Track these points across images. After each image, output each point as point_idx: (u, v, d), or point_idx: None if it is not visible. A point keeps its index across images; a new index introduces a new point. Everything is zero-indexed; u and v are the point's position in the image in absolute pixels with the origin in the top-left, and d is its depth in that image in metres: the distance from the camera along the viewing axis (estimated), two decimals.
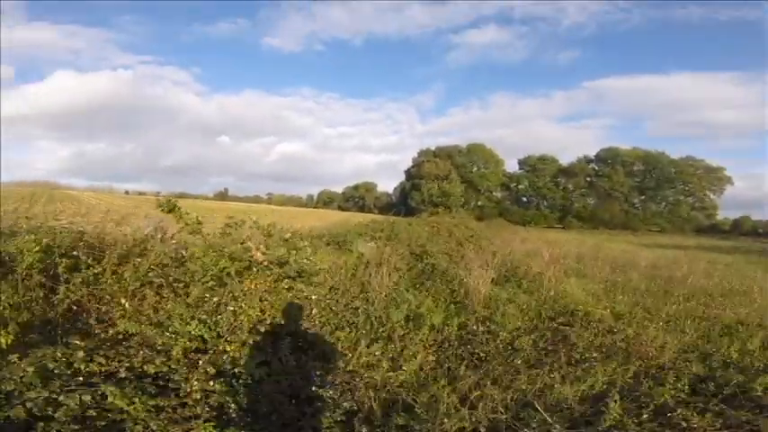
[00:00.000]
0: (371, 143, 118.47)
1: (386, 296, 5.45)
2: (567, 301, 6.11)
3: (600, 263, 10.74)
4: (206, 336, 3.64)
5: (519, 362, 3.76)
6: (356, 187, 77.12)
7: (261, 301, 3.82)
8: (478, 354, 3.98)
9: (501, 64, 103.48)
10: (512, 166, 66.88)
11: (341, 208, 64.68)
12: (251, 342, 3.46)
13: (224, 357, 3.37)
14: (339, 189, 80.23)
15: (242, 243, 4.18)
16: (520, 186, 65.34)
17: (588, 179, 63.68)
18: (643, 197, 63.54)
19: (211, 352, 3.48)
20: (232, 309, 3.71)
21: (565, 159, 65.46)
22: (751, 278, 10.19)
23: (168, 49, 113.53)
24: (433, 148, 65.60)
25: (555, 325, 4.75)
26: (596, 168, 64.16)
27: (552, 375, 3.50)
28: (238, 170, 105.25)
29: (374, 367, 3.58)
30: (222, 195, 72.49)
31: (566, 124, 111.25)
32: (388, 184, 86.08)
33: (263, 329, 3.62)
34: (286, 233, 5.20)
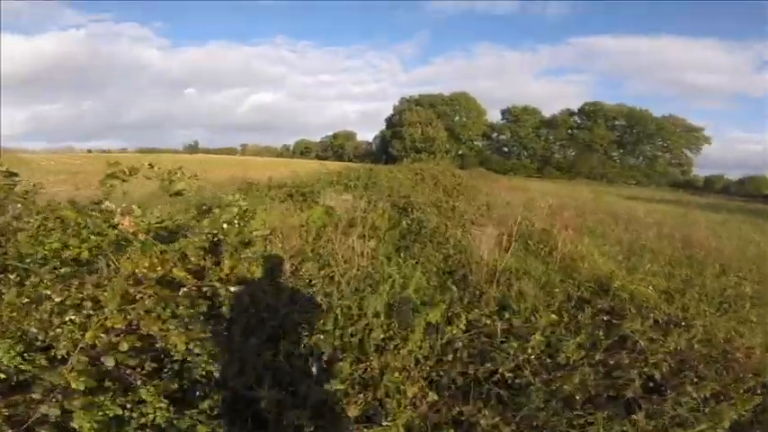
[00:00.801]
0: (352, 91, 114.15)
1: (358, 272, 3.86)
2: (595, 273, 4.71)
3: (606, 218, 9.47)
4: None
5: (577, 395, 2.30)
6: (335, 136, 73.96)
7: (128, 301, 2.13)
8: (505, 377, 2.49)
9: (487, 14, 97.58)
10: (493, 117, 65.63)
11: (318, 157, 61.73)
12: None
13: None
14: (317, 139, 77.01)
15: (97, 204, 2.40)
16: (501, 136, 64.29)
17: (569, 131, 63.68)
18: (622, 151, 64.34)
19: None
20: (72, 319, 2.03)
21: (547, 113, 64.95)
22: (757, 242, 9.17)
23: (125, 5, 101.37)
24: (416, 96, 62.56)
25: (602, 317, 3.28)
26: (578, 121, 63.98)
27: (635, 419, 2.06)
28: (209, 123, 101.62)
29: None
30: (192, 148, 69.29)
31: (550, 78, 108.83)
32: (369, 135, 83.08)
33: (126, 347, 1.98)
34: (209, 184, 3.42)
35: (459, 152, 59.82)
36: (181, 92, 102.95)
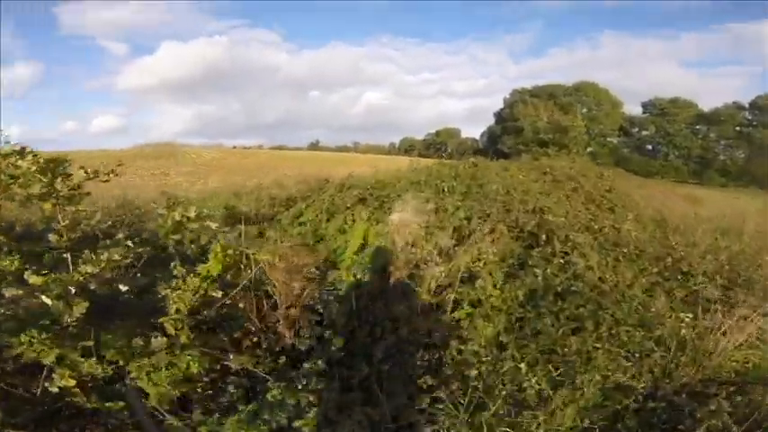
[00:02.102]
0: (456, 88, 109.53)
1: None
2: None
3: None
4: None
5: None
6: (437, 133, 71.07)
7: None
8: None
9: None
10: (631, 111, 54.32)
11: (421, 155, 59.42)
12: None
13: None
14: (422, 137, 75.67)
15: None
16: (644, 132, 52.96)
17: (738, 129, 49.50)
18: None
19: None
20: None
21: (704, 107, 51.56)
22: None
23: (253, 12, 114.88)
24: (529, 88, 55.26)
25: None
26: (750, 118, 49.68)
27: None
28: (329, 123, 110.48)
29: None
30: (314, 146, 75.79)
31: (698, 70, 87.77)
32: (477, 132, 78.30)
33: None
34: None
35: (589, 149, 51.01)
36: (305, 94, 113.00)
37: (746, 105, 50.24)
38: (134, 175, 21.88)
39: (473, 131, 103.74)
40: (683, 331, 3.00)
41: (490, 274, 3.31)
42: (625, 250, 4.19)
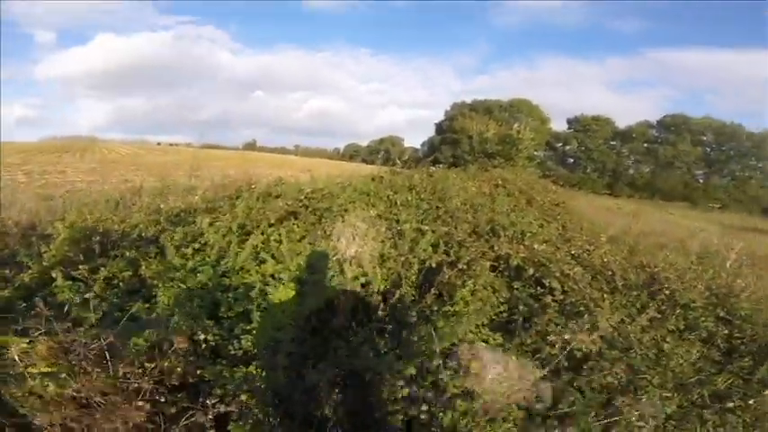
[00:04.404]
0: (402, 99, 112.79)
1: None
2: None
3: None
4: None
5: None
6: (381, 141, 72.04)
7: None
8: None
9: (553, 26, 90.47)
10: (558, 127, 59.27)
11: (365, 161, 59.48)
12: None
13: None
14: (366, 143, 75.54)
15: None
16: (567, 147, 57.91)
17: (646, 145, 56.45)
18: (708, 170, 55.94)
19: None
20: None
21: (621, 125, 58.09)
22: None
23: (207, 9, 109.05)
24: (469, 102, 58.04)
25: None
26: (657, 135, 56.96)
27: None
28: (271, 123, 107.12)
29: None
30: (250, 146, 71.41)
31: (621, 91, 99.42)
32: (418, 141, 79.90)
33: None
34: None
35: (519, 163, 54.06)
36: (248, 94, 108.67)
37: (654, 123, 57.14)
38: (20, 171, 18.24)
39: (415, 141, 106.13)
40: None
41: (484, 341, 2.41)
42: (620, 284, 3.56)
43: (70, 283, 3.43)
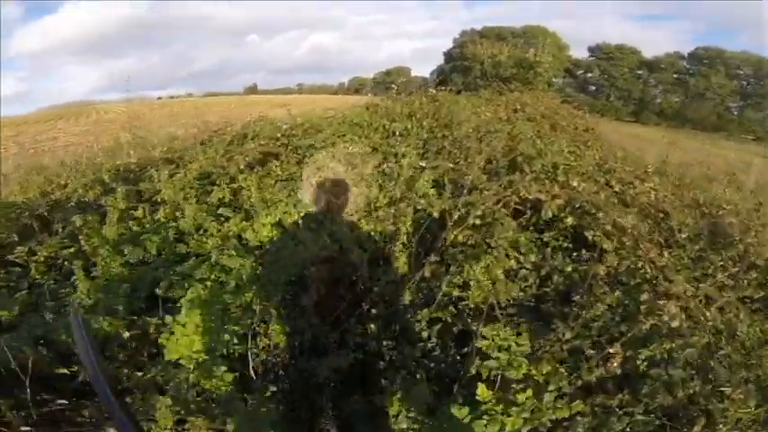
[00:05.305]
0: (407, 29, 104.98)
1: None
2: None
3: None
4: None
5: None
6: (387, 72, 67.54)
7: None
8: None
9: None
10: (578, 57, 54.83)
11: (371, 94, 56.33)
12: None
13: None
14: (371, 76, 71.31)
15: None
16: (589, 75, 54.13)
17: (676, 76, 52.82)
18: (742, 103, 52.56)
19: None
20: None
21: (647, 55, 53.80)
22: None
23: None
24: (478, 29, 53.43)
25: None
26: (688, 66, 53.10)
27: None
28: (269, 66, 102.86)
29: None
30: (251, 90, 68.90)
31: (645, 24, 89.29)
32: (426, 71, 75.21)
33: None
34: None
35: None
36: (242, 39, 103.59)
37: (685, 55, 53.24)
38: (13, 142, 17.50)
39: (424, 71, 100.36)
40: None
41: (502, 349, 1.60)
42: (681, 236, 2.65)
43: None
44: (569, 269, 2.25)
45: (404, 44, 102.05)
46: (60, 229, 3.22)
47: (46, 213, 3.51)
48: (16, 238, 3.20)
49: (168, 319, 1.99)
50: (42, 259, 2.98)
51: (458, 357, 1.95)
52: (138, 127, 6.38)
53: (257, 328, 2.12)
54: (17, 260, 2.97)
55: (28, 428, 1.55)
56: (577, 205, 2.34)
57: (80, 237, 2.93)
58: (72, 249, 3.00)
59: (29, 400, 1.55)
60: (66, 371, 1.79)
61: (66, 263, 2.92)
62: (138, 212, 3.16)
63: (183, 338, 1.91)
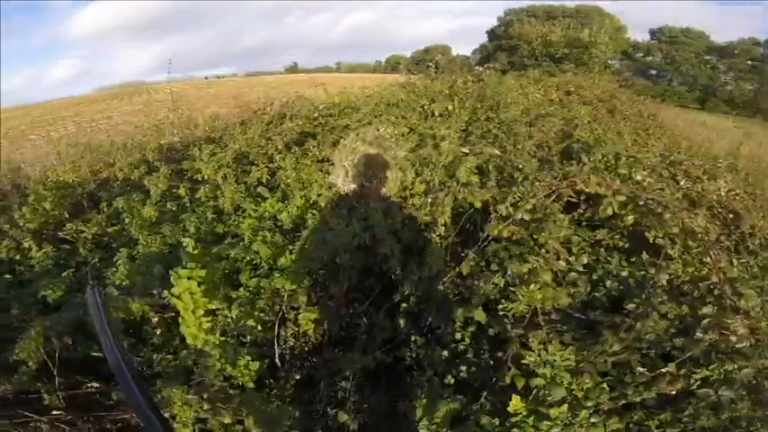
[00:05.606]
0: (448, 7, 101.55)
1: None
2: None
3: None
4: None
5: None
6: (426, 50, 65.48)
7: None
8: None
9: None
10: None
11: (410, 72, 55.32)
12: None
13: None
14: (409, 54, 69.63)
15: None
16: (649, 58, 49.83)
17: (751, 63, 47.19)
18: None
19: None
20: None
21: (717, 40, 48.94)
22: None
23: None
24: (525, 7, 50.15)
25: None
26: (764, 53, 47.32)
27: None
28: (308, 45, 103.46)
29: None
30: (292, 69, 70.16)
31: (715, 6, 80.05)
32: (467, 51, 72.19)
33: None
34: None
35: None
36: (281, 20, 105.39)
37: (762, 41, 47.69)
38: (72, 122, 18.72)
39: (465, 50, 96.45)
40: None
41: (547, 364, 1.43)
42: (754, 243, 2.31)
43: (44, 252, 2.90)
44: (625, 273, 2.02)
45: (442, 23, 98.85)
46: (105, 208, 3.31)
47: (95, 191, 3.63)
48: (67, 216, 3.34)
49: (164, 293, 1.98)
50: (90, 237, 3.09)
51: (491, 363, 1.81)
52: (182, 107, 6.51)
53: (286, 315, 2.07)
54: (67, 237, 3.09)
55: (59, 412, 1.57)
56: (641, 202, 2.06)
57: (123, 216, 3.00)
58: (116, 227, 3.09)
59: (57, 384, 1.57)
60: (99, 354, 1.81)
61: (111, 241, 3.02)
62: (181, 191, 3.21)
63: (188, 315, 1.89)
